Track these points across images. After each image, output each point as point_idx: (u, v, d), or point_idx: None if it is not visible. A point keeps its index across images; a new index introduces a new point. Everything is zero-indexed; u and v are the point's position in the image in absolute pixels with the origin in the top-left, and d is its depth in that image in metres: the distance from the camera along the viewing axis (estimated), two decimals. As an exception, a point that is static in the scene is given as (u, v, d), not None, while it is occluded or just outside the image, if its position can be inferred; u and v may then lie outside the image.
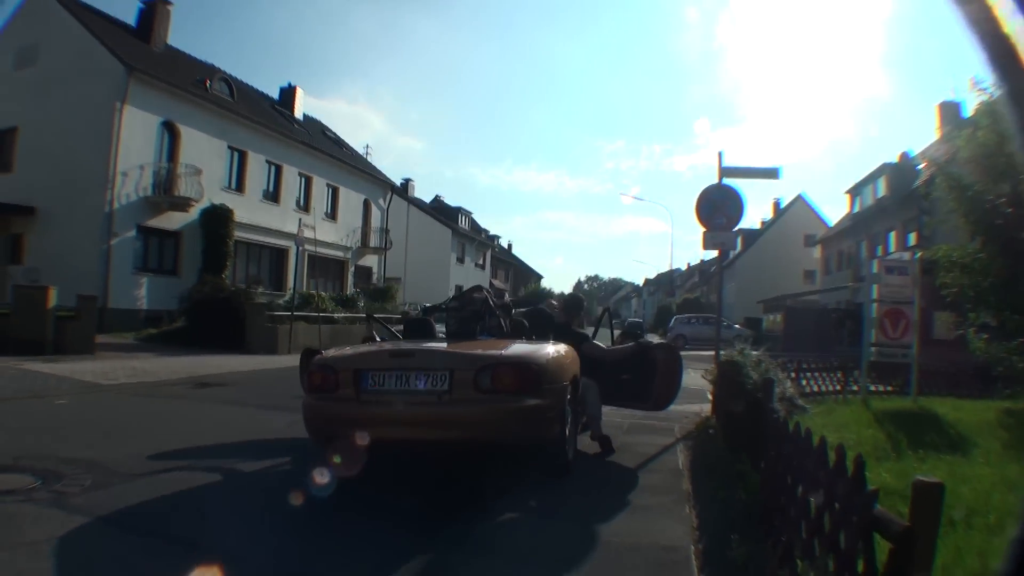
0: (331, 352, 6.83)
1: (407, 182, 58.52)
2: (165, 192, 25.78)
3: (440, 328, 8.11)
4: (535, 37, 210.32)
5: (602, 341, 9.09)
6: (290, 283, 29.63)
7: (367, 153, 45.70)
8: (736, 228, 11.18)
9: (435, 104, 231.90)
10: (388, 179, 44.75)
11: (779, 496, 4.09)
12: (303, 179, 34.68)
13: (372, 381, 5.88)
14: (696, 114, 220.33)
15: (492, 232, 76.85)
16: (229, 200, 28.39)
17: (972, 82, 11.65)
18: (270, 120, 33.29)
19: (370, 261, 41.59)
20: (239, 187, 30.06)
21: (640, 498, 5.89)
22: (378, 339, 8.30)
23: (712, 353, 11.48)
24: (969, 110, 14.71)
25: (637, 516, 5.37)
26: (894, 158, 38.80)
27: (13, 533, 4.43)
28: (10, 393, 10.75)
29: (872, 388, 13.14)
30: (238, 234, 28.61)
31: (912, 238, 31.40)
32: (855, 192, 42.94)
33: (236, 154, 29.92)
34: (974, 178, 11.81)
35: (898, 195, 34.33)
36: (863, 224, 39.67)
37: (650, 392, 8.28)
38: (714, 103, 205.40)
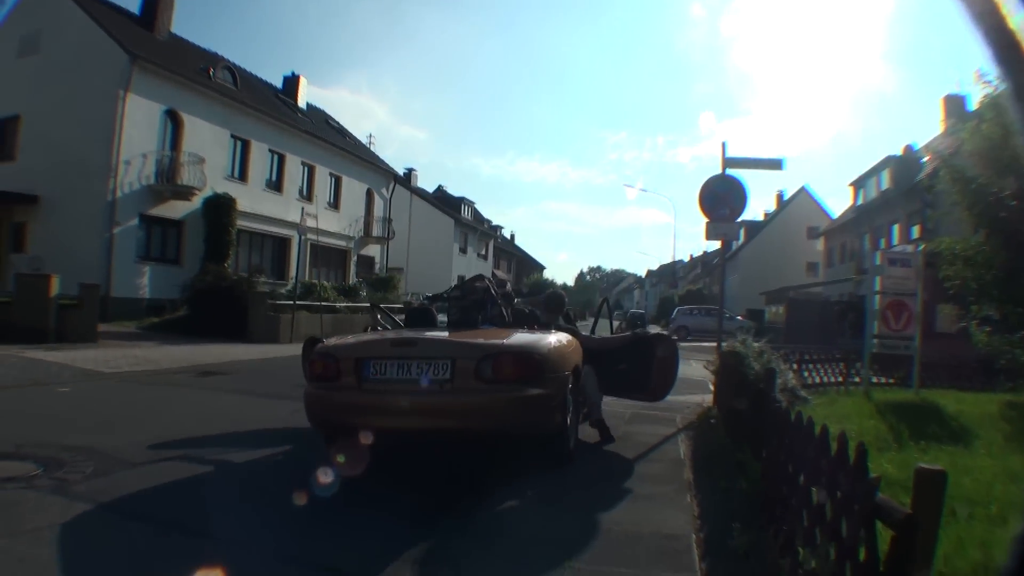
0: (333, 341, 6.83)
1: (410, 172, 58.42)
2: (168, 181, 25.71)
3: (442, 318, 8.10)
4: (539, 28, 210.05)
5: (603, 331, 9.09)
6: (292, 272, 29.62)
7: (370, 143, 45.75)
8: (739, 219, 11.15)
9: (438, 94, 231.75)
10: (391, 169, 44.69)
11: (780, 485, 4.09)
12: (306, 168, 34.62)
13: (374, 370, 5.88)
14: (700, 106, 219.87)
15: (495, 223, 76.78)
16: (232, 189, 28.33)
17: (977, 75, 11.65)
18: (273, 109, 33.21)
19: (373, 251, 41.57)
20: (242, 176, 29.99)
21: (641, 487, 5.89)
22: (379, 328, 8.30)
23: (714, 345, 11.48)
24: (974, 103, 14.67)
25: (639, 505, 5.37)
26: (898, 151, 38.78)
27: (15, 520, 4.44)
28: (12, 381, 10.76)
29: (874, 380, 13.15)
30: (241, 223, 28.54)
31: (915, 231, 31.38)
32: (859, 184, 42.90)
33: (239, 143, 29.85)
34: (978, 171, 11.79)
35: (902, 188, 34.30)
36: (866, 216, 39.63)
37: (647, 382, 8.27)
38: (718, 96, 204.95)
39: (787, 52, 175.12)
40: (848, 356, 14.31)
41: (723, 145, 11.00)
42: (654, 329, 15.85)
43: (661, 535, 4.60)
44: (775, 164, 11.54)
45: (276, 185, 32.41)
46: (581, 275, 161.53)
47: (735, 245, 57.69)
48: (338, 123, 43.05)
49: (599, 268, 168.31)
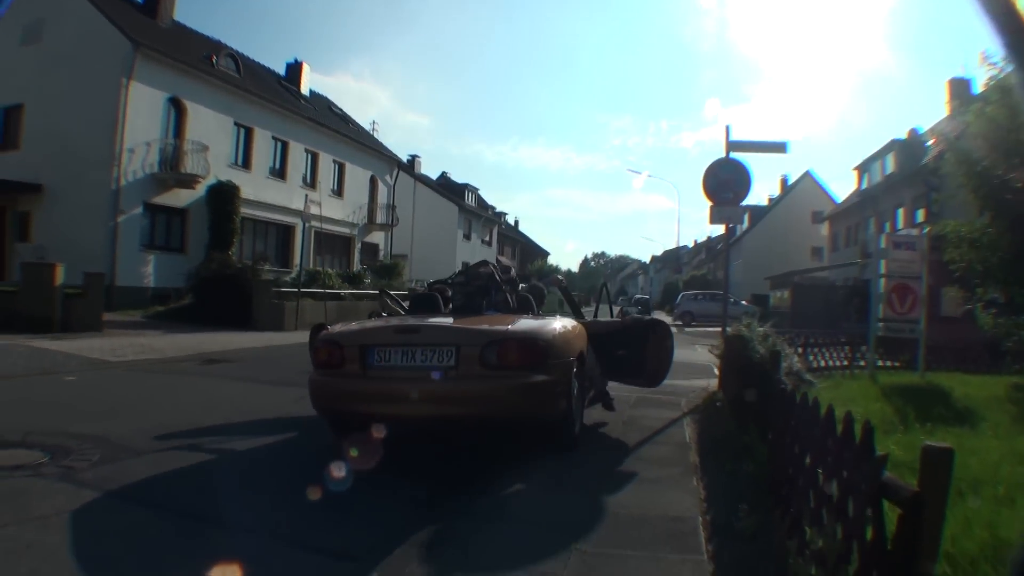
0: (337, 328, 6.82)
1: (413, 159, 58.35)
2: (172, 169, 25.70)
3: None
4: (541, 13, 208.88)
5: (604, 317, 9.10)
6: (296, 260, 29.64)
7: (373, 130, 45.63)
8: (743, 203, 11.13)
9: (441, 81, 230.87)
10: (395, 155, 44.60)
11: (787, 466, 4.09)
12: (309, 155, 34.59)
13: (378, 357, 5.88)
14: (704, 91, 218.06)
15: (498, 209, 76.69)
16: (235, 177, 28.34)
17: (982, 56, 11.57)
18: (276, 96, 33.15)
19: (377, 238, 41.58)
20: (245, 164, 29.98)
21: (647, 471, 5.89)
22: (383, 315, 8.29)
23: (719, 330, 11.48)
24: (979, 86, 14.62)
25: (645, 488, 5.37)
26: (903, 135, 38.62)
27: (22, 507, 4.46)
28: (19, 370, 10.81)
29: (879, 363, 13.15)
30: (245, 211, 28.56)
31: (920, 214, 31.29)
32: (863, 168, 42.77)
33: (242, 130, 29.83)
34: (983, 153, 11.73)
35: (907, 171, 34.19)
36: (871, 201, 39.52)
37: (643, 368, 8.26)
38: (722, 81, 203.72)
39: (791, 37, 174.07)
40: (853, 340, 14.30)
41: (727, 129, 11.00)
42: (659, 316, 15.86)
43: (668, 517, 4.60)
44: (779, 147, 11.50)
45: (280, 173, 32.38)
46: (586, 261, 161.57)
47: (739, 230, 57.69)
48: (341, 110, 42.97)
49: (603, 254, 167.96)
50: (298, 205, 27.99)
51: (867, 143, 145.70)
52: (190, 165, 26.21)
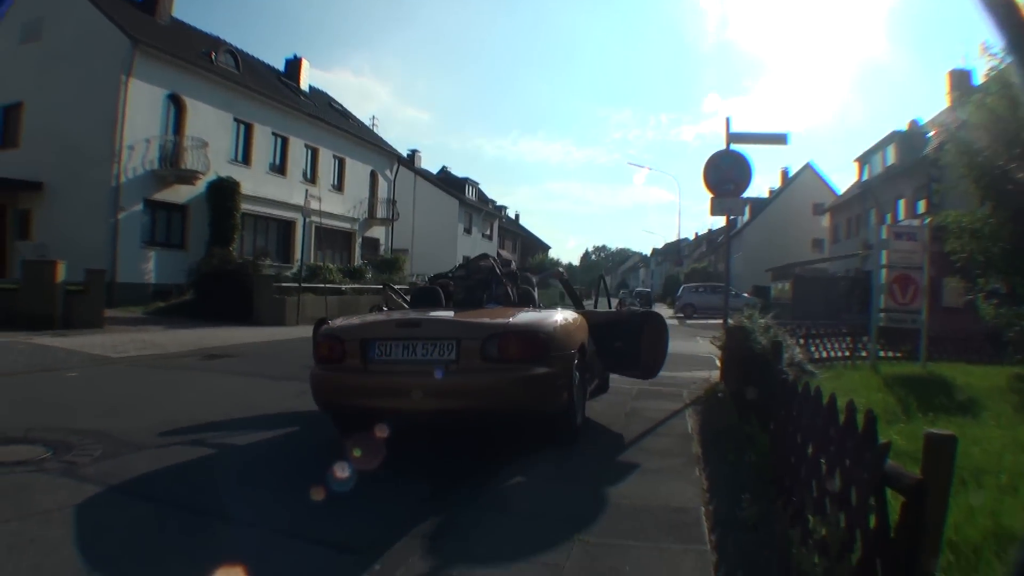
0: (338, 322, 6.82)
1: (414, 153, 58.23)
2: (172, 165, 25.69)
3: None
4: (542, 7, 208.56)
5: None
6: (297, 255, 29.69)
7: (373, 125, 45.56)
8: (744, 195, 11.10)
9: (441, 75, 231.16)
10: (395, 150, 44.51)
11: (789, 456, 4.08)
12: (309, 151, 34.56)
13: (379, 351, 5.87)
14: (704, 84, 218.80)
15: (499, 203, 76.57)
16: (236, 173, 28.34)
17: (982, 47, 11.56)
18: (276, 92, 33.11)
19: (377, 232, 41.57)
20: (245, 160, 29.96)
21: (649, 461, 5.87)
22: (385, 308, 8.28)
23: (720, 322, 11.48)
24: (980, 77, 14.59)
25: (647, 479, 5.36)
26: (904, 126, 38.55)
27: (25, 502, 4.47)
28: (21, 367, 10.81)
29: (881, 354, 13.14)
30: (245, 207, 28.53)
31: (921, 205, 31.24)
32: (864, 160, 42.68)
33: (242, 126, 29.80)
34: (984, 144, 11.73)
35: (907, 162, 34.13)
36: (872, 192, 39.46)
37: (638, 360, 8.23)
38: (722, 74, 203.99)
39: (791, 29, 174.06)
40: (855, 330, 14.29)
41: (727, 120, 10.95)
42: (660, 309, 15.86)
43: (670, 508, 4.59)
44: (779, 139, 11.47)
45: (280, 168, 32.36)
46: (587, 255, 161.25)
47: (740, 222, 57.73)
48: (341, 105, 42.97)
49: (604, 247, 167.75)
50: (298, 200, 27.96)
51: (867, 135, 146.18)
52: (190, 161, 26.18)
